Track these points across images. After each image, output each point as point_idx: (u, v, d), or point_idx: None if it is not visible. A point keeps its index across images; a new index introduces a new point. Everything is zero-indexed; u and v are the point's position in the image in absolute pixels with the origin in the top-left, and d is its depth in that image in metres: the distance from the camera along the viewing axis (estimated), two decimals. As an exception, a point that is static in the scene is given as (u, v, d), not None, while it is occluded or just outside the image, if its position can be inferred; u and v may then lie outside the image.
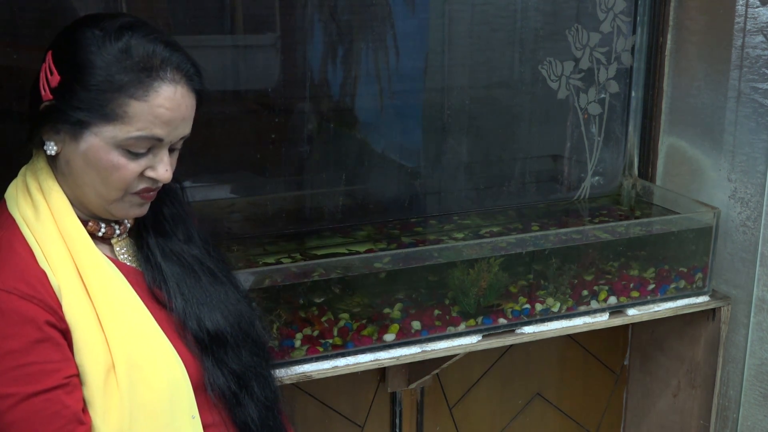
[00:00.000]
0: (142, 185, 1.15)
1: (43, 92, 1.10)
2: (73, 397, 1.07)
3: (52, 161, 1.15)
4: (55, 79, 1.09)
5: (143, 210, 1.19)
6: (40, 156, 1.16)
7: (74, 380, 1.08)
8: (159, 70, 1.09)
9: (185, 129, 1.15)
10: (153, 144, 1.12)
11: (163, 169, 1.14)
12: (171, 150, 1.17)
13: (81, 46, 1.08)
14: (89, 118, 1.08)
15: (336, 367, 1.67)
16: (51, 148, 1.12)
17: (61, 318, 1.08)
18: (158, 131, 1.10)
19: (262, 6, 1.81)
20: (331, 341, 1.66)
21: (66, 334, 1.09)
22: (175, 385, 1.14)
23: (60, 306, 1.08)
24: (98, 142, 1.09)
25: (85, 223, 1.17)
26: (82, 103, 1.08)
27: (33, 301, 1.06)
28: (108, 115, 1.08)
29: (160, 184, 1.17)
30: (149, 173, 1.13)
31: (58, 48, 1.11)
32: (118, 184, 1.12)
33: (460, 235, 1.96)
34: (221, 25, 1.79)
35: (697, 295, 2.01)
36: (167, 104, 1.10)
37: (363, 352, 1.69)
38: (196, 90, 1.15)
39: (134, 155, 1.11)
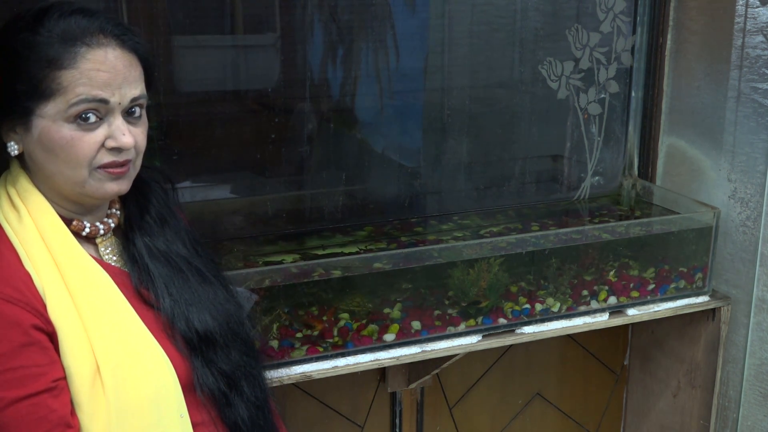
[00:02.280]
0: (106, 159, 1.12)
1: None
2: (60, 401, 1.07)
3: (24, 165, 1.16)
4: None
5: (120, 185, 1.16)
6: (14, 164, 1.17)
7: (61, 383, 1.08)
8: (81, 37, 1.10)
9: (132, 90, 1.13)
10: (100, 108, 1.10)
11: (120, 135, 1.12)
12: (132, 119, 1.15)
13: (8, 41, 1.11)
14: (30, 102, 1.09)
15: (336, 367, 1.67)
16: (12, 148, 1.14)
17: (47, 320, 1.08)
18: (98, 92, 1.09)
19: (262, 6, 1.81)
20: (331, 341, 1.66)
21: (52, 336, 1.08)
22: (162, 384, 1.14)
23: (45, 308, 1.08)
24: (46, 123, 1.10)
25: (68, 222, 1.17)
26: (20, 91, 1.10)
27: (19, 305, 1.06)
28: (44, 92, 1.09)
29: (128, 156, 1.14)
30: (110, 143, 1.12)
31: None
32: (79, 159, 1.11)
33: (460, 235, 1.96)
34: (221, 25, 1.79)
35: (697, 295, 2.01)
36: (99, 67, 1.10)
37: (363, 352, 1.69)
38: (132, 49, 1.14)
39: (87, 126, 1.10)
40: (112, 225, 1.23)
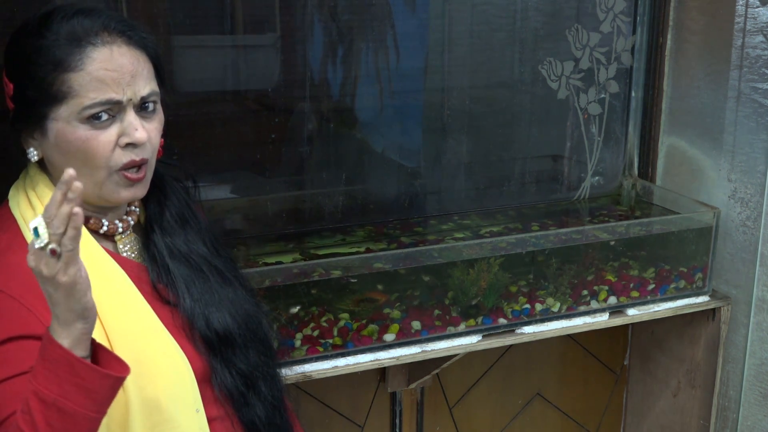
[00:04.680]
0: (124, 158, 1.13)
1: (9, 106, 1.14)
2: None
3: (44, 168, 1.17)
4: (10, 88, 1.13)
5: (135, 192, 1.17)
6: (32, 167, 1.18)
7: None
8: (86, 37, 1.11)
9: (143, 85, 1.14)
10: (112, 108, 1.11)
11: (133, 130, 1.12)
12: (146, 114, 1.16)
13: (17, 48, 1.13)
14: (43, 106, 1.10)
15: (336, 367, 1.67)
16: (32, 155, 1.15)
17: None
18: (111, 96, 1.10)
19: (262, 6, 1.81)
20: (331, 341, 1.66)
21: None
22: (177, 378, 1.15)
23: None
24: (61, 125, 1.11)
25: (86, 220, 1.17)
26: (33, 97, 1.11)
27: (20, 301, 1.07)
28: (56, 95, 1.10)
29: (145, 155, 1.15)
30: (124, 140, 1.12)
31: (4, 62, 1.15)
32: (96, 159, 1.11)
33: (460, 235, 1.96)
34: (221, 25, 1.79)
35: (697, 295, 2.01)
36: (106, 66, 1.10)
37: (363, 352, 1.69)
38: (140, 45, 1.15)
39: (99, 125, 1.11)
40: (131, 222, 1.24)
